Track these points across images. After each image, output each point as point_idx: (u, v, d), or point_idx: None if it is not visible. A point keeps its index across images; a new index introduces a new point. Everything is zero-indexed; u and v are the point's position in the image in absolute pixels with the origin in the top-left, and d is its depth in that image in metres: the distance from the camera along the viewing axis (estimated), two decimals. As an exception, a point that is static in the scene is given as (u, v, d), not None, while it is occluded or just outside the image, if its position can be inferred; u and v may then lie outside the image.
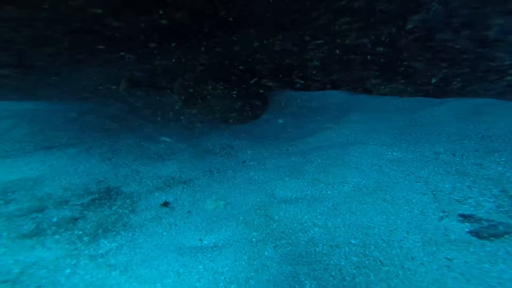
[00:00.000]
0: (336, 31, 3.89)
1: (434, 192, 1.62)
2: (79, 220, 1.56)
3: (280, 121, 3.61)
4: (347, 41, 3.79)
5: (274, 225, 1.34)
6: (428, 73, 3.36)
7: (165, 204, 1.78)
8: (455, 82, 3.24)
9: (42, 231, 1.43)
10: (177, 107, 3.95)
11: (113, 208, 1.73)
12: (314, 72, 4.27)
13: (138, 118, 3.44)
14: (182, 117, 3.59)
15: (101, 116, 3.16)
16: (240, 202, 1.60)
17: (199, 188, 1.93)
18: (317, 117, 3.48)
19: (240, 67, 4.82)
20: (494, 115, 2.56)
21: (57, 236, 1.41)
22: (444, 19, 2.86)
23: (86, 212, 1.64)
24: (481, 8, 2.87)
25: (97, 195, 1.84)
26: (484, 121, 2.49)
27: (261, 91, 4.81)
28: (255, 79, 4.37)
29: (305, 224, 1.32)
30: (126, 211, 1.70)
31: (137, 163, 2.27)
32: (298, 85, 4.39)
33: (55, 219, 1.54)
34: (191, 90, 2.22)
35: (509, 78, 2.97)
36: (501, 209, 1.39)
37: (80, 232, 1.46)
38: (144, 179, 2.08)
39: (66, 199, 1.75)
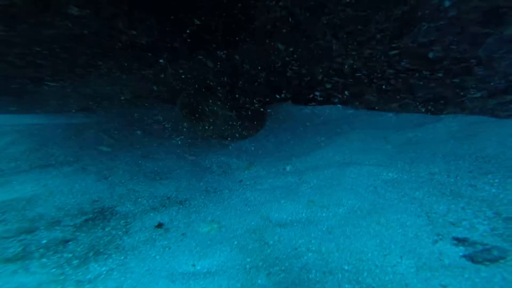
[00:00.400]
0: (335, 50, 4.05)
1: (428, 214, 1.62)
2: (70, 242, 1.54)
3: (278, 138, 3.66)
4: (348, 59, 3.93)
5: (268, 250, 1.32)
6: (425, 91, 3.46)
7: (160, 225, 1.77)
8: (449, 98, 3.33)
9: (29, 254, 1.40)
10: (180, 125, 4.01)
11: (107, 229, 1.71)
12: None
13: (138, 133, 3.49)
14: (182, 132, 3.64)
15: (101, 132, 3.21)
16: (235, 225, 1.59)
17: (194, 209, 1.92)
18: (315, 134, 3.52)
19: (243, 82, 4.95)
20: (487, 134, 2.60)
21: (44, 260, 1.38)
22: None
23: (78, 233, 1.62)
24: (469, 27, 3.01)
25: (91, 215, 1.83)
26: (478, 141, 2.53)
27: (260, 106, 4.91)
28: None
29: (299, 249, 1.31)
30: (120, 233, 1.68)
31: (133, 182, 2.28)
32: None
33: (44, 241, 1.52)
34: (194, 105, 2.27)
35: (499, 97, 3.06)
36: (495, 232, 1.39)
37: (70, 255, 1.43)
38: (139, 199, 2.07)
39: (59, 220, 1.73)
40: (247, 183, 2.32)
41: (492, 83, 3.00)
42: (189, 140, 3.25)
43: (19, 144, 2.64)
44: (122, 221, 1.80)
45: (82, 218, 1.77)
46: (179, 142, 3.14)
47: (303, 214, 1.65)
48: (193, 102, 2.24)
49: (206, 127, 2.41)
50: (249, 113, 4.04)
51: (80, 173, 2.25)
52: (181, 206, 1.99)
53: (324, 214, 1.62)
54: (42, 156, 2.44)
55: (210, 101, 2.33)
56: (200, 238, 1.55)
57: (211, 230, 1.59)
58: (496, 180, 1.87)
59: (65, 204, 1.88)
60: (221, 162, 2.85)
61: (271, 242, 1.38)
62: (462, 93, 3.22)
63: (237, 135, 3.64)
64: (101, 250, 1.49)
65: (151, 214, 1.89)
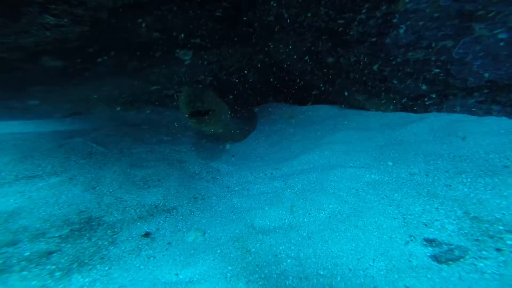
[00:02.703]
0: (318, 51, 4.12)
1: (404, 216, 1.70)
2: (54, 254, 1.55)
3: (268, 141, 3.70)
4: (330, 59, 4.02)
5: (250, 258, 1.38)
6: (407, 90, 3.56)
7: (146, 234, 1.80)
8: (431, 98, 3.44)
9: (8, 268, 1.39)
10: (170, 129, 4.02)
11: (93, 240, 1.73)
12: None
13: (129, 139, 3.49)
14: (172, 137, 3.66)
15: (89, 140, 3.20)
16: (220, 233, 1.64)
17: (181, 217, 1.96)
18: (303, 136, 3.59)
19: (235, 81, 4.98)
20: (466, 133, 2.70)
21: (25, 273, 1.38)
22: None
23: (63, 244, 1.64)
24: (443, 29, 3.13)
25: (77, 226, 1.85)
26: (456, 140, 2.63)
27: (252, 106, 4.95)
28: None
29: (279, 256, 1.37)
30: (106, 243, 1.71)
31: (121, 191, 2.30)
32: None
33: (27, 253, 1.51)
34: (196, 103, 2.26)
35: (476, 95, 3.18)
36: (462, 231, 1.48)
37: (53, 267, 1.44)
38: (127, 208, 2.10)
39: (44, 231, 1.74)
40: (235, 189, 2.37)
41: (468, 83, 3.12)
42: (179, 147, 3.28)
43: (4, 155, 2.62)
44: (109, 231, 1.83)
45: (68, 229, 1.78)
46: (168, 149, 3.16)
47: (286, 220, 1.71)
48: (196, 96, 2.22)
49: (211, 123, 2.41)
50: (243, 114, 4.07)
51: (67, 183, 2.26)
52: (168, 214, 2.03)
53: (305, 220, 1.68)
54: (28, 167, 2.44)
55: (211, 94, 2.33)
56: (185, 247, 1.60)
57: (196, 238, 1.64)
58: (469, 179, 1.96)
59: (51, 216, 1.89)
60: (210, 167, 2.89)
61: (253, 249, 1.43)
62: (443, 92, 3.33)
63: (232, 137, 3.66)
64: (85, 261, 1.52)
65: (138, 223, 1.93)
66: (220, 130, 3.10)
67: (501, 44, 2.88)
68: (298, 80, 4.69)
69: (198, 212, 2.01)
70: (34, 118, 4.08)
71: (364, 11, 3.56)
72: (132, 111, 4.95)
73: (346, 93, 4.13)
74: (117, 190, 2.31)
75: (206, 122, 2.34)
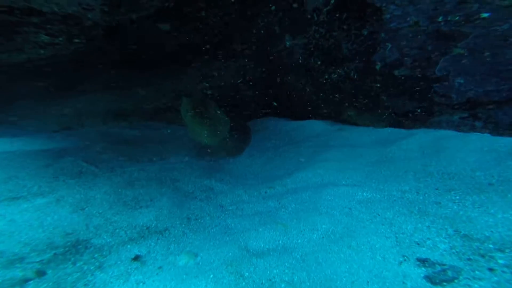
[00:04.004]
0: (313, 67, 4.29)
1: (397, 235, 1.71)
2: (31, 282, 1.44)
3: (263, 158, 3.72)
4: (326, 76, 4.18)
5: (243, 283, 1.35)
6: (396, 106, 3.71)
7: (137, 258, 1.75)
8: (419, 114, 3.58)
9: None
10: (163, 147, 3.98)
11: (78, 264, 1.65)
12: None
13: (121, 157, 3.45)
14: (165, 155, 3.63)
15: (80, 159, 3.14)
16: (213, 257, 1.60)
17: (174, 239, 1.92)
18: (297, 153, 3.63)
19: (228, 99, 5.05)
20: (452, 151, 2.80)
21: None
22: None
23: (43, 270, 1.56)
24: (424, 48, 3.34)
25: (62, 250, 1.76)
26: (444, 157, 2.71)
27: (245, 121, 5.00)
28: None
29: (273, 280, 1.35)
30: (92, 267, 1.63)
31: (112, 212, 2.24)
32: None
33: None
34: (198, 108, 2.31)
35: (459, 112, 3.34)
36: (453, 250, 1.49)
37: None
38: (117, 230, 2.04)
39: (22, 256, 1.65)
40: (229, 208, 2.35)
41: (451, 100, 3.28)
42: (172, 165, 3.26)
43: (-14, 177, 2.53)
44: (97, 254, 1.76)
45: (51, 253, 1.69)
46: (161, 167, 3.14)
47: (280, 241, 1.69)
48: (197, 106, 2.29)
49: (212, 132, 2.44)
50: (238, 128, 4.09)
51: (54, 205, 2.19)
52: (160, 236, 1.98)
53: (299, 241, 1.67)
54: (13, 188, 2.35)
55: (213, 103, 2.38)
56: (177, 271, 1.55)
57: (189, 262, 1.60)
58: (457, 197, 2.01)
59: (33, 239, 1.80)
60: (204, 186, 2.87)
61: (247, 274, 1.41)
62: (429, 109, 3.47)
63: (228, 151, 3.65)
64: (68, 289, 1.44)
65: (129, 245, 1.87)
66: (218, 143, 3.12)
67: (477, 62, 3.07)
68: (291, 95, 4.82)
69: (191, 234, 1.97)
70: (22, 135, 4.00)
71: (352, 30, 3.77)
72: (125, 127, 4.92)
73: (338, 109, 4.26)
74: (107, 210, 2.25)
75: (206, 126, 2.35)
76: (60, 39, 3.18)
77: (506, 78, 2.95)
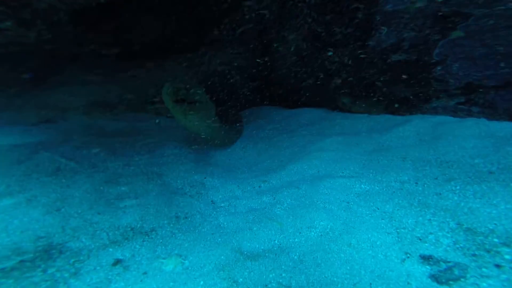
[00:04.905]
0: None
1: (398, 230, 1.63)
2: None
3: (256, 148, 3.57)
4: (319, 62, 3.99)
5: (236, 290, 1.25)
6: (391, 92, 3.58)
7: (119, 262, 1.61)
8: (415, 100, 3.48)
9: None
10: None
11: (49, 271, 1.49)
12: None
13: (104, 151, 3.22)
14: (152, 149, 3.43)
15: (57, 154, 2.90)
16: (204, 261, 1.48)
17: (161, 241, 1.78)
18: (292, 143, 3.49)
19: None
20: (449, 137, 2.72)
21: None
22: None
23: (3, 280, 1.39)
24: (422, 31, 3.18)
25: (31, 256, 1.58)
26: (442, 144, 2.63)
27: (237, 110, 4.81)
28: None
29: (269, 286, 1.24)
30: (66, 274, 1.48)
31: (92, 212, 2.07)
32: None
33: None
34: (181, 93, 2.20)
35: (456, 97, 3.26)
36: (457, 245, 1.43)
37: None
38: (98, 232, 1.87)
39: None
40: (221, 205, 2.22)
41: (449, 85, 3.18)
42: (159, 158, 3.06)
43: None
44: (72, 260, 1.60)
45: (16, 260, 1.51)
46: (148, 162, 2.94)
47: (276, 241, 1.58)
48: (178, 91, 2.17)
49: (195, 113, 2.32)
50: (229, 117, 3.91)
51: (24, 205, 1.98)
52: (146, 237, 1.84)
53: (296, 240, 1.57)
54: (-20, 189, 2.14)
55: (196, 85, 2.26)
56: (163, 277, 1.42)
57: (177, 266, 1.48)
58: (458, 187, 1.94)
59: (-5, 245, 1.63)
60: (194, 181, 2.71)
61: (241, 279, 1.30)
62: (426, 94, 3.37)
63: (220, 140, 3.49)
64: (33, 303, 1.30)
65: (110, 249, 1.72)
66: (205, 129, 2.95)
67: (476, 46, 2.94)
68: (284, 83, 4.63)
69: (180, 234, 1.84)
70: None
71: (346, 13, 3.55)
72: (109, 118, 4.64)
73: (332, 96, 4.10)
74: (87, 211, 2.07)
75: (189, 112, 2.20)
76: (8, 23, 2.78)
77: (506, 61, 2.84)
